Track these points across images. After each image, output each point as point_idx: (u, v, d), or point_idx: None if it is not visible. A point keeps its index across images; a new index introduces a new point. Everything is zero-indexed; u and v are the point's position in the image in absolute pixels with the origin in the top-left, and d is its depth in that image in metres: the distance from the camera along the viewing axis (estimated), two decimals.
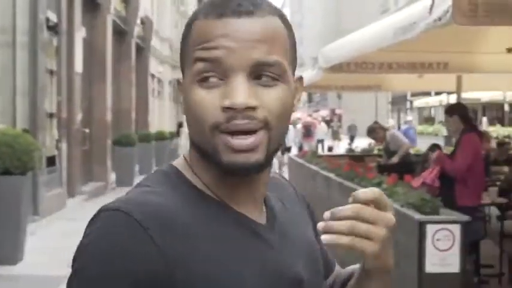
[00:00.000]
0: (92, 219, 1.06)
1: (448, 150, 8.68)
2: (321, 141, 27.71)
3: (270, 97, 1.08)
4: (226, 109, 1.05)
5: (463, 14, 4.29)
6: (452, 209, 5.43)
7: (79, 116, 14.04)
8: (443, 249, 4.90)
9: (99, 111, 16.24)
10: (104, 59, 16.60)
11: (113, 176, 16.87)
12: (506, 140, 15.10)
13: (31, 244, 8.36)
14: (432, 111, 53.48)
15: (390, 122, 33.56)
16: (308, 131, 26.71)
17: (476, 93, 27.03)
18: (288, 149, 20.88)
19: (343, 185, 7.93)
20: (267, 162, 1.11)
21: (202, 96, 1.07)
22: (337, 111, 44.69)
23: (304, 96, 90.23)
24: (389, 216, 1.06)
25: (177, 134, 23.56)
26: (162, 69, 29.76)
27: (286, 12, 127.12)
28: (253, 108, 1.06)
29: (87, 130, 15.09)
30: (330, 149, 27.01)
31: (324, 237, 1.03)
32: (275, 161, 16.07)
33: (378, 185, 6.79)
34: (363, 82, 11.90)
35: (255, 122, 1.06)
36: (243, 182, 1.14)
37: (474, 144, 6.49)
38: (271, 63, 1.08)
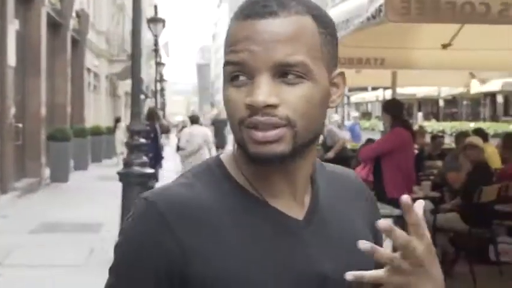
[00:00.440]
0: (136, 203, 1.19)
1: None
2: None
3: (294, 95, 1.12)
4: (249, 106, 1.11)
5: (396, 12, 4.34)
6: (383, 202, 5.53)
7: (12, 111, 13.73)
8: None
9: (33, 106, 15.91)
10: (38, 53, 16.27)
11: (47, 172, 16.56)
12: (440, 134, 15.38)
13: None
14: (369, 107, 54.24)
15: (335, 117, 33.74)
16: None
17: (412, 89, 27.53)
18: (222, 146, 20.88)
19: None
20: (294, 154, 1.14)
21: (232, 94, 1.14)
22: None
23: None
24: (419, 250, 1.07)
25: (114, 129, 23.33)
26: (99, 63, 29.35)
27: (225, 7, 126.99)
28: (274, 106, 1.11)
29: (20, 125, 14.75)
30: None
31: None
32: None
33: None
34: None
35: (275, 118, 1.11)
36: (278, 174, 1.19)
37: (398, 137, 6.69)
38: (292, 64, 1.12)
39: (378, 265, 1.19)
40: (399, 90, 11.35)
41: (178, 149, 16.53)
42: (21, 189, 13.84)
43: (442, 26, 6.00)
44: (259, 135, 1.11)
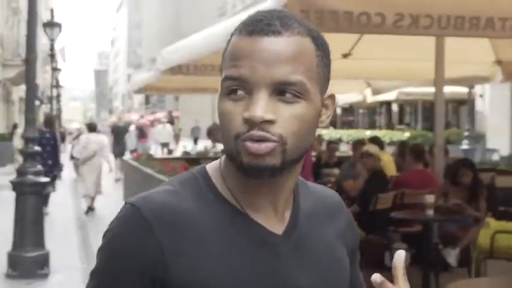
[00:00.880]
0: (121, 208, 1.21)
1: None
2: (166, 144, 27.10)
3: (290, 113, 1.15)
4: (246, 120, 1.14)
5: None
6: None
7: None
8: None
9: None
10: None
11: None
12: (335, 141, 15.61)
13: None
14: None
15: None
16: (142, 133, 26.34)
17: None
18: (122, 153, 20.43)
19: None
20: (283, 168, 1.17)
21: (229, 107, 1.17)
22: (175, 114, 44.69)
23: (141, 98, 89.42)
24: None
25: (11, 135, 22.57)
26: None
27: (124, 12, 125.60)
28: (270, 122, 1.14)
29: None
30: (171, 151, 26.66)
31: None
32: (110, 165, 15.66)
33: None
34: (200, 84, 11.93)
35: (269, 134, 1.14)
36: (264, 188, 1.22)
37: None
38: (292, 83, 1.15)
39: (353, 284, 1.32)
40: None
41: (72, 157, 16.19)
42: None
43: (343, 35, 6.09)
44: (254, 146, 1.14)
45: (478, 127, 24.17)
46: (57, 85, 40.90)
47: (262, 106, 1.13)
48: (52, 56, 30.90)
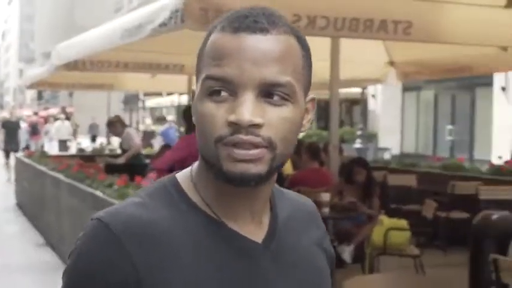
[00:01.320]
0: (87, 224, 1.12)
1: None
2: (65, 141, 26.24)
3: (278, 116, 1.08)
4: (231, 123, 1.06)
5: (195, 19, 4.34)
6: None
7: None
8: None
9: None
10: None
11: None
12: None
13: None
14: (164, 111, 54.39)
15: (147, 121, 33.29)
16: (35, 130, 25.60)
17: None
18: (16, 150, 19.74)
19: (73, 186, 7.69)
20: (267, 177, 1.11)
21: (210, 109, 1.08)
22: (69, 110, 43.64)
23: (33, 93, 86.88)
24: None
25: None
26: None
27: (16, 4, 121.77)
28: (258, 126, 1.06)
29: None
30: (67, 148, 25.92)
31: None
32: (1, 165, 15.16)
33: (109, 186, 6.69)
34: (96, 80, 11.73)
35: (259, 139, 1.07)
36: (241, 196, 1.15)
37: (192, 144, 6.62)
38: (281, 84, 1.08)
39: None
40: None
41: None
42: None
43: None
44: (241, 153, 1.06)
45: (370, 126, 24.79)
46: None
47: (249, 109, 1.06)
48: None
